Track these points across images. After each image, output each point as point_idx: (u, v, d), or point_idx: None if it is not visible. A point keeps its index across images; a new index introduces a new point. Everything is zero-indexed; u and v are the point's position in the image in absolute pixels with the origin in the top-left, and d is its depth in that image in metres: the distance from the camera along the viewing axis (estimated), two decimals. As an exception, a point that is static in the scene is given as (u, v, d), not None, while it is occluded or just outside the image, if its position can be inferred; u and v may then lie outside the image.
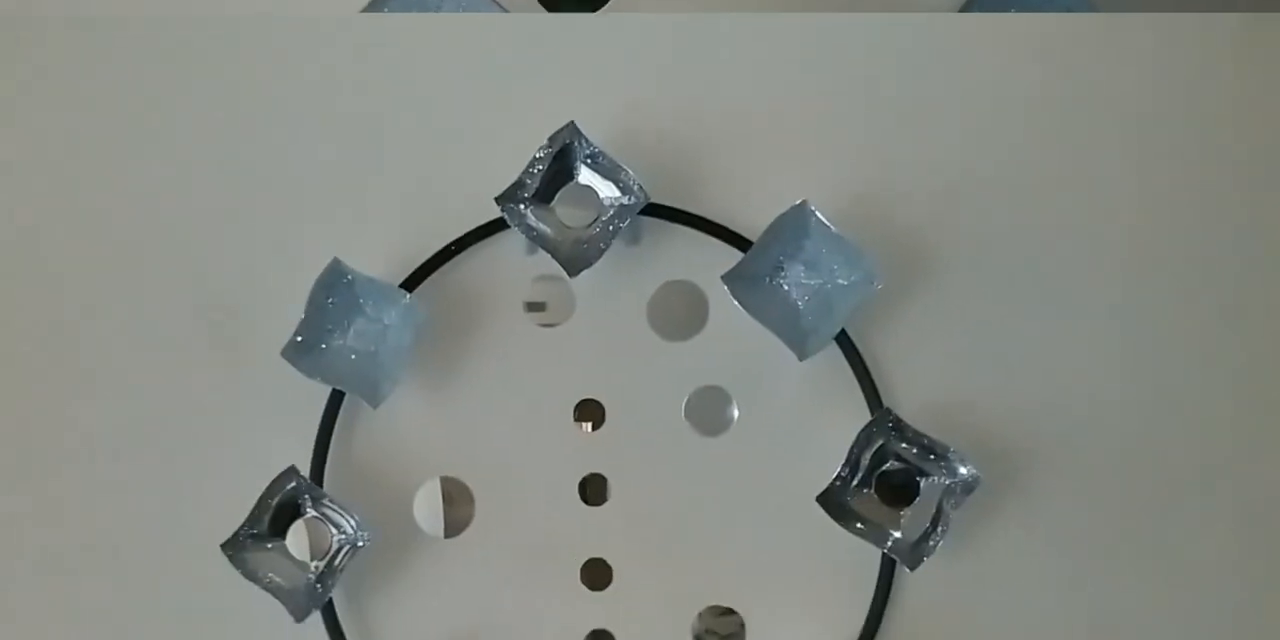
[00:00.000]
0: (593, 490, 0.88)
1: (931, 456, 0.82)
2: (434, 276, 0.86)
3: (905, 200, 0.86)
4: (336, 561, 0.85)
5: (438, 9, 0.94)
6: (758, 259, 0.84)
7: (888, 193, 0.86)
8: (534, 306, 0.89)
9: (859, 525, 0.82)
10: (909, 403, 0.84)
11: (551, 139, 0.83)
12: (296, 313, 0.84)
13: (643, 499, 0.87)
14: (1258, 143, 0.87)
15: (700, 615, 0.89)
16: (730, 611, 0.88)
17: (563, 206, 0.85)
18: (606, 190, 0.85)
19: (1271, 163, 0.86)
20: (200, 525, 0.85)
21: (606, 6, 0.98)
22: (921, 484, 0.83)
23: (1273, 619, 0.86)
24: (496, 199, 0.83)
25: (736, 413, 0.87)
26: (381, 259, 0.86)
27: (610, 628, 0.87)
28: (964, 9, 0.95)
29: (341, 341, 0.86)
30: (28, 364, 0.89)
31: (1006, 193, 0.86)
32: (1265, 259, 0.87)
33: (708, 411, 0.88)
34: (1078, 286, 0.86)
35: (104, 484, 0.88)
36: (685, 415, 0.87)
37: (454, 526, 0.89)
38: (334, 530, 0.85)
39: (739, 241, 0.85)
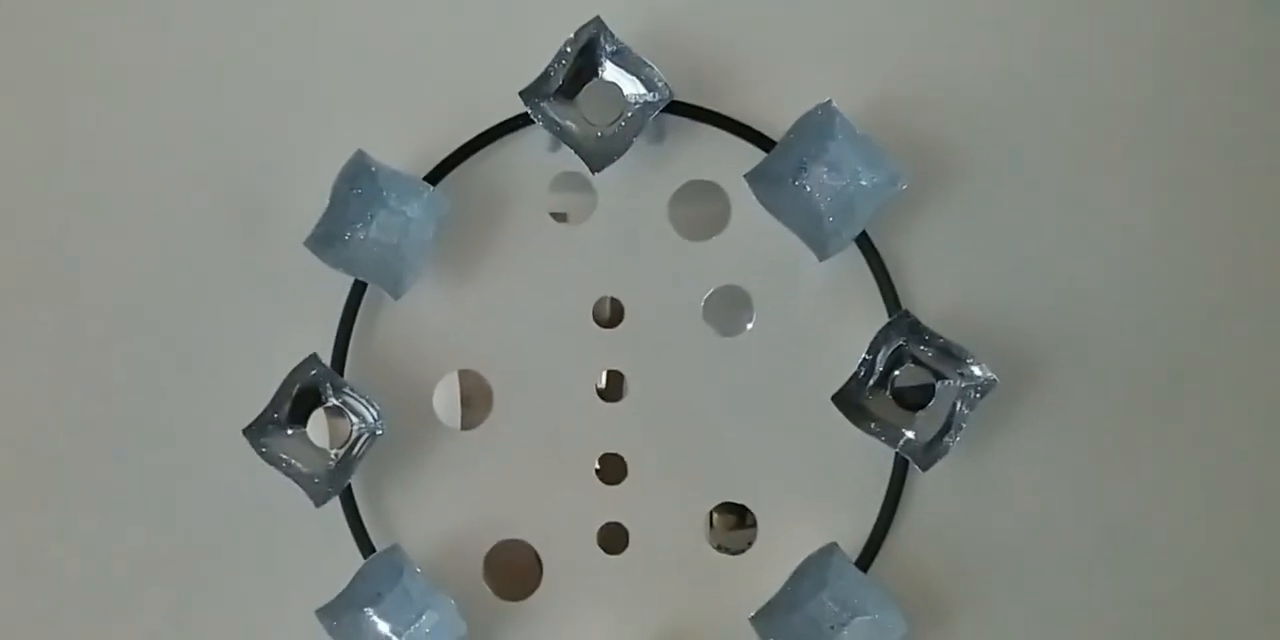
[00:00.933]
0: (610, 387, 0.89)
1: (948, 359, 0.82)
2: (457, 171, 0.86)
3: (930, 104, 0.86)
4: (355, 449, 0.86)
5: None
6: (781, 158, 0.83)
7: (913, 95, 0.85)
8: (555, 217, 0.88)
9: (873, 425, 0.83)
10: (927, 305, 0.85)
11: (577, 34, 0.82)
12: (321, 203, 0.84)
13: (659, 396, 0.88)
14: (1270, 60, 0.86)
15: (712, 529, 0.90)
16: (742, 526, 0.89)
17: (587, 103, 0.85)
18: (630, 87, 0.84)
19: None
20: (223, 411, 0.87)
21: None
22: (937, 386, 0.83)
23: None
24: (521, 93, 0.83)
25: (755, 313, 0.87)
26: (406, 152, 0.86)
27: (623, 521, 0.88)
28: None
29: (364, 233, 0.87)
30: (57, 250, 0.90)
31: (1031, 100, 0.86)
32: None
33: (726, 311, 0.88)
34: (1097, 193, 0.86)
35: (127, 367, 0.90)
36: (703, 315, 0.87)
37: (470, 427, 0.90)
38: (354, 418, 0.86)
39: (763, 141, 0.84)
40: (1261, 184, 0.86)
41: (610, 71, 0.84)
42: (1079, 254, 0.86)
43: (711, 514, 0.90)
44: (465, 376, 0.91)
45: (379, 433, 0.85)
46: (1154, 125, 0.86)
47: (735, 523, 0.90)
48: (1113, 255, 0.86)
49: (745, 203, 0.84)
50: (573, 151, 0.83)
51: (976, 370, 0.81)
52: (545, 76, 0.83)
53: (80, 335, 0.90)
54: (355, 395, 0.86)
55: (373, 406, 0.85)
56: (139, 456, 0.90)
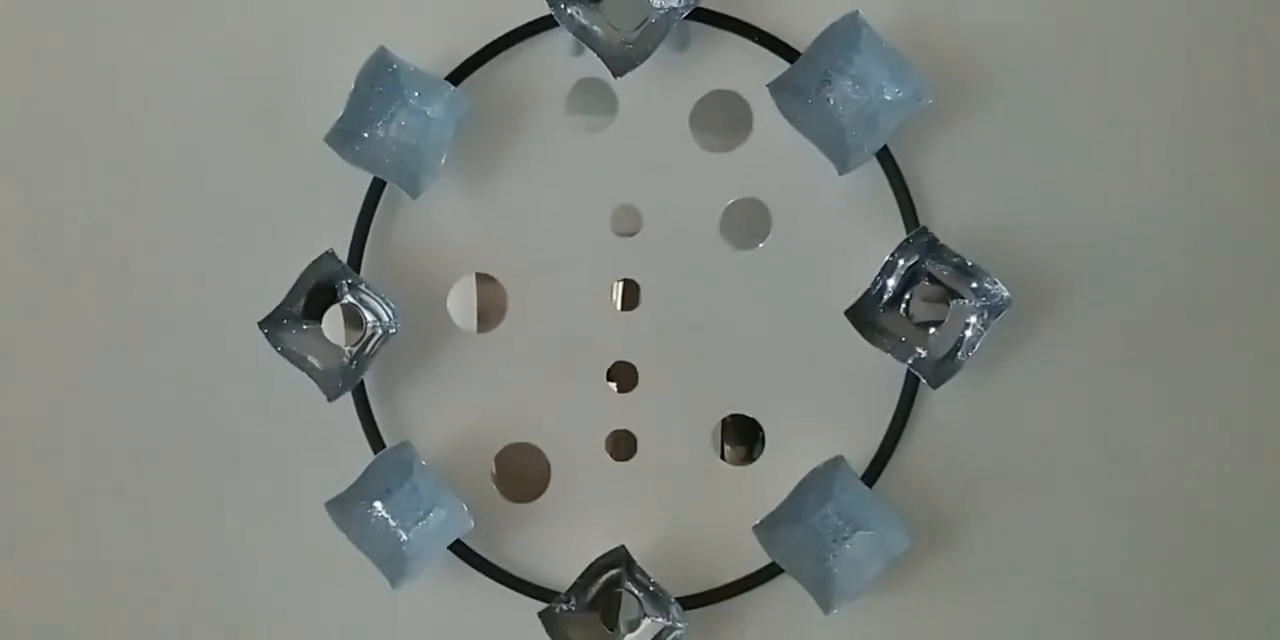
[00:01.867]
0: (625, 295, 0.89)
1: (964, 277, 0.82)
2: (479, 72, 0.86)
3: (959, 20, 0.84)
4: (369, 347, 0.87)
5: None
6: (805, 70, 0.82)
7: (942, 10, 0.84)
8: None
9: (885, 341, 0.83)
10: (946, 223, 0.84)
11: (605, -65, 0.81)
12: (342, 101, 0.84)
13: (674, 306, 0.88)
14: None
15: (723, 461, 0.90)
16: (750, 459, 0.89)
17: (611, 8, 0.84)
18: (657, -8, 0.83)
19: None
20: (240, 305, 0.87)
21: None
22: (951, 304, 0.83)
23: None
24: (546, -7, 0.82)
25: (772, 226, 0.86)
26: (429, 51, 0.85)
27: (633, 428, 0.89)
28: None
29: (384, 131, 0.87)
30: (78, 148, 0.90)
31: (1060, 22, 0.84)
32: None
33: (744, 224, 0.87)
34: (1122, 118, 0.84)
35: (145, 261, 0.91)
36: (721, 227, 0.87)
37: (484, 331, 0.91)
38: (369, 316, 0.87)
39: (788, 52, 0.83)
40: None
41: (637, -25, 0.83)
42: (1101, 178, 0.84)
43: (723, 445, 0.91)
44: (482, 291, 0.91)
45: (393, 331, 0.86)
46: (1182, 50, 0.84)
47: (744, 455, 0.91)
48: (1135, 181, 0.85)
49: (767, 115, 0.84)
50: (595, 56, 0.82)
51: (992, 289, 0.81)
52: (572, -22, 0.82)
53: (100, 229, 0.91)
54: (371, 293, 0.86)
55: (388, 305, 0.86)
56: (155, 350, 0.91)
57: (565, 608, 0.86)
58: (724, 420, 0.90)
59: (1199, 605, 0.88)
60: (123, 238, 0.90)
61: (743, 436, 0.91)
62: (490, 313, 0.91)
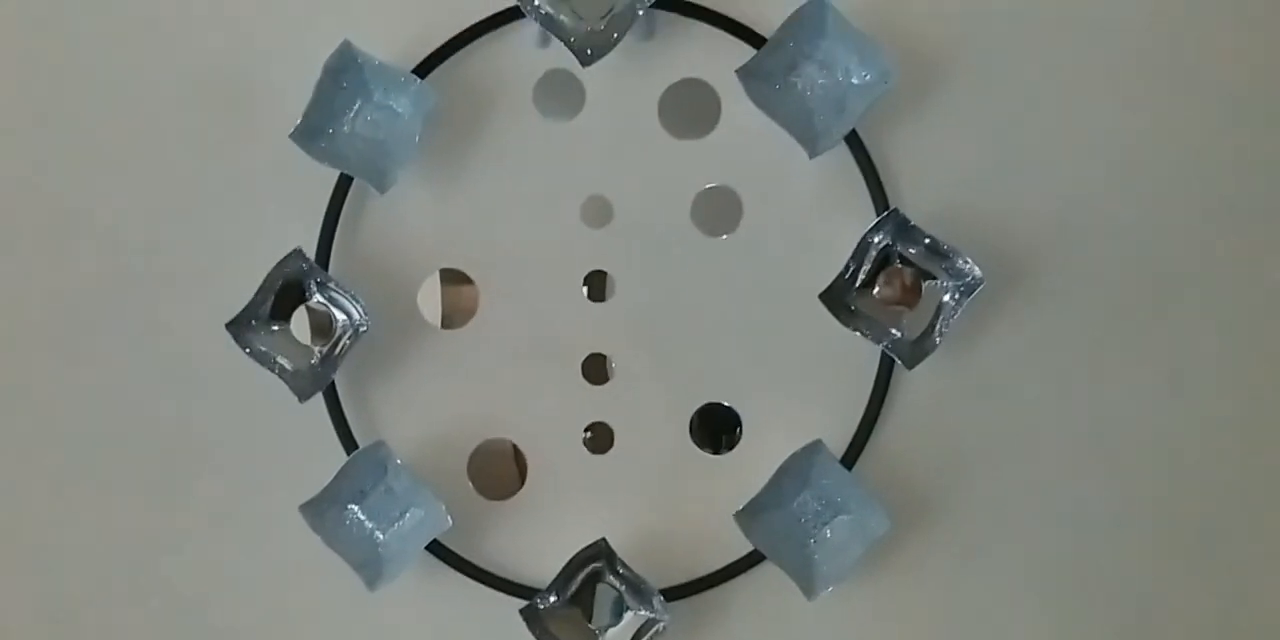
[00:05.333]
0: (596, 287, 0.89)
1: (936, 257, 0.82)
2: (445, 65, 0.85)
3: (923, 1, 0.85)
4: (339, 346, 0.86)
5: None
6: (773, 55, 0.83)
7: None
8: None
9: (859, 323, 0.83)
10: (916, 204, 0.85)
11: (568, -75, 0.82)
12: (307, 96, 0.83)
13: (647, 296, 0.88)
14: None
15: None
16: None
17: (578, -1, 0.84)
18: (622, -19, 0.84)
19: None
20: (207, 306, 0.86)
21: None
22: (924, 285, 0.84)
23: (1265, 422, 0.88)
24: (512, -16, 0.82)
25: (744, 212, 0.87)
26: (393, 44, 0.85)
27: (608, 421, 0.89)
28: None
29: (350, 126, 0.86)
30: (42, 146, 0.89)
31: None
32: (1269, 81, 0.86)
33: (715, 211, 0.87)
34: (1087, 95, 0.85)
35: (110, 260, 0.89)
36: (692, 215, 0.87)
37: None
38: (338, 314, 0.86)
39: (754, 38, 0.84)
40: (1255, 90, 0.86)
41: (601, -35, 0.84)
42: (1068, 156, 0.85)
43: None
44: (447, 294, 0.91)
45: (363, 329, 0.85)
46: (1148, 29, 0.85)
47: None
48: (1102, 158, 0.86)
49: (735, 102, 0.84)
50: (563, 47, 0.82)
51: (964, 269, 0.81)
52: (536, -32, 0.82)
53: (63, 230, 0.90)
54: (340, 291, 0.85)
55: (357, 303, 0.85)
56: (122, 351, 0.90)
57: (547, 604, 0.85)
58: (691, 421, 0.89)
59: (1178, 582, 0.89)
60: (87, 238, 0.89)
61: (708, 438, 0.90)
62: (455, 316, 0.90)
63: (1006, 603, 0.88)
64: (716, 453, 0.89)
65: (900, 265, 0.84)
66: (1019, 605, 0.89)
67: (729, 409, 0.87)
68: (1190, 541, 0.89)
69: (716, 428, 0.89)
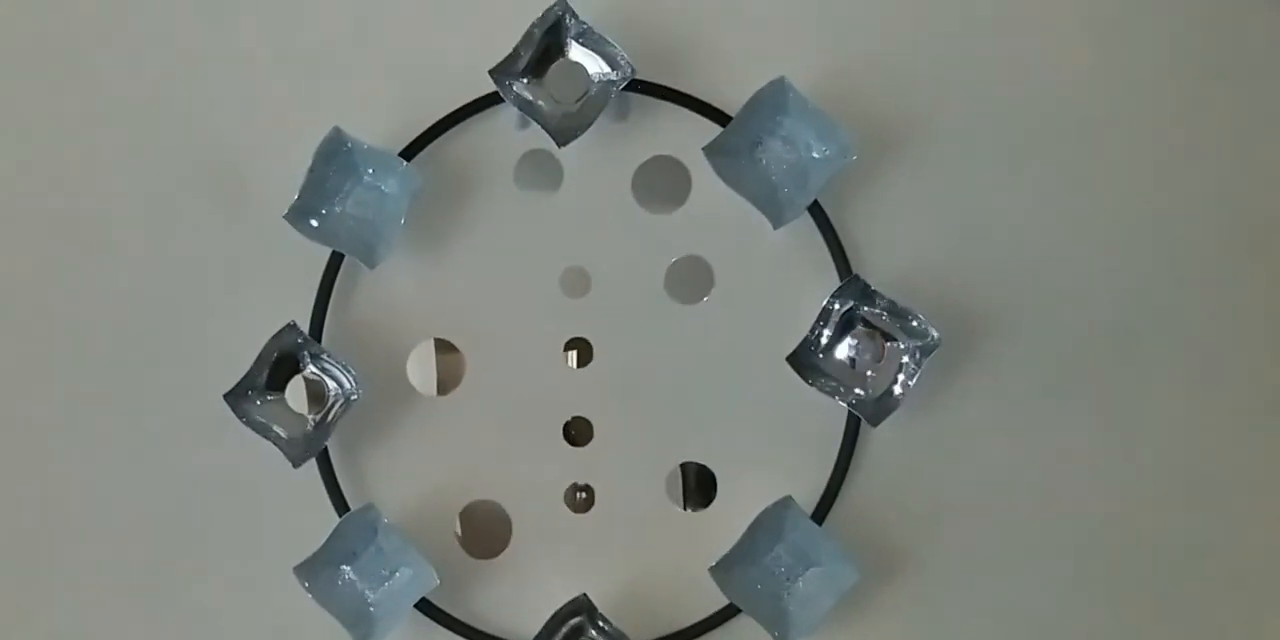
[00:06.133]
0: (576, 353, 0.93)
1: (896, 320, 0.87)
2: (430, 147, 0.90)
3: (879, 79, 0.90)
4: (331, 414, 0.90)
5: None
6: (737, 133, 0.88)
7: (863, 70, 0.90)
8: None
9: (826, 383, 0.87)
10: (877, 269, 0.89)
11: (543, 15, 0.87)
12: (299, 177, 0.88)
13: (624, 362, 0.92)
14: (1208, 32, 0.91)
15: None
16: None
17: (553, 82, 0.89)
18: (595, 66, 0.89)
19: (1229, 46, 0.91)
20: (206, 376, 0.90)
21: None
22: (887, 346, 0.88)
23: (1217, 475, 0.92)
24: (490, 72, 0.87)
25: (715, 280, 0.91)
26: (381, 129, 0.90)
27: (590, 481, 0.92)
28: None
29: (341, 206, 0.91)
30: (40, 223, 0.94)
31: (974, 74, 0.91)
32: (1220, 141, 0.91)
33: (688, 280, 0.92)
34: (1038, 161, 0.91)
35: (111, 333, 0.93)
36: (665, 284, 0.91)
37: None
38: (331, 384, 0.90)
39: (720, 117, 0.89)
40: (1201, 149, 0.91)
41: (575, 52, 0.89)
42: (1022, 220, 0.90)
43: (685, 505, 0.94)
44: (443, 363, 0.95)
45: (354, 398, 0.89)
46: (1093, 97, 0.90)
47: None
48: (1054, 222, 0.90)
49: (704, 177, 0.89)
50: (540, 128, 0.88)
51: (923, 330, 0.86)
52: (514, 56, 0.88)
53: (63, 306, 0.94)
54: (332, 361, 0.89)
55: (349, 372, 0.89)
56: (121, 420, 0.93)
57: (532, 658, 0.88)
58: (686, 482, 0.93)
59: (1143, 630, 0.92)
60: (88, 311, 0.93)
61: (705, 497, 0.93)
62: (451, 384, 0.94)
63: (975, 650, 0.92)
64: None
65: (863, 327, 0.88)
66: (985, 654, 0.92)
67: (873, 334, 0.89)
68: (1153, 595, 0.92)
69: (708, 488, 0.93)
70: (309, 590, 0.89)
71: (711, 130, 0.88)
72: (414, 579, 0.90)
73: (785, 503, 0.87)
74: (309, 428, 0.90)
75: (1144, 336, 0.91)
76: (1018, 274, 0.90)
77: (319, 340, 0.91)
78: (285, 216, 0.88)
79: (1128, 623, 0.92)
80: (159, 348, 0.93)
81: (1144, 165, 0.91)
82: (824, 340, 0.88)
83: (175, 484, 0.93)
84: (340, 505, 0.91)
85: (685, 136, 0.90)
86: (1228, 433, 0.92)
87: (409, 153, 0.90)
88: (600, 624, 0.88)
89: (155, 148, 0.93)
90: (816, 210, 0.89)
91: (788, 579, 0.89)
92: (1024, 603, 0.91)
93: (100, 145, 0.93)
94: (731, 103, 0.88)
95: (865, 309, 0.87)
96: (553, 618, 0.88)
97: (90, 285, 0.93)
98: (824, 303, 0.87)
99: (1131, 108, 0.91)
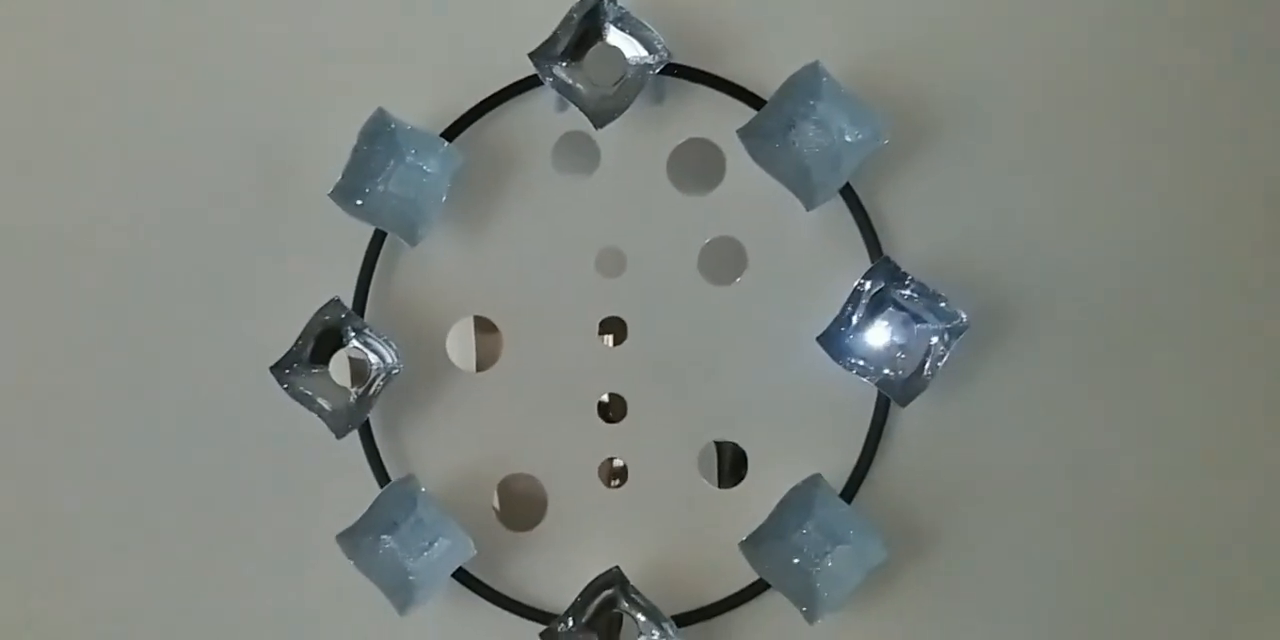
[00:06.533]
0: (611, 332, 0.95)
1: (925, 301, 0.88)
2: (471, 128, 0.93)
3: (913, 62, 0.91)
4: (373, 387, 0.92)
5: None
6: (771, 116, 0.89)
7: (896, 54, 0.91)
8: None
9: (855, 363, 0.88)
10: (908, 252, 0.90)
11: (582, 0, 0.89)
12: (344, 157, 0.91)
13: (658, 340, 0.94)
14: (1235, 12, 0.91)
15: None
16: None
17: (591, 65, 0.91)
18: (632, 50, 0.90)
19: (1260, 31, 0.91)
20: (253, 350, 0.93)
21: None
22: (915, 328, 0.89)
23: (1239, 457, 0.92)
24: (530, 55, 0.89)
25: (747, 261, 0.93)
26: (424, 110, 0.92)
27: (623, 457, 0.94)
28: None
29: (384, 185, 0.93)
30: (96, 202, 0.97)
31: (1008, 57, 0.91)
32: (1252, 127, 0.92)
33: (721, 261, 0.94)
34: (1067, 145, 0.91)
35: (165, 309, 0.96)
36: (699, 264, 0.93)
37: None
38: (373, 358, 0.93)
39: (755, 100, 0.90)
40: (1233, 134, 0.91)
41: (613, 35, 0.91)
42: (1051, 202, 0.91)
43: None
44: (482, 342, 0.97)
45: (396, 372, 0.91)
46: (1124, 82, 0.91)
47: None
48: (1082, 206, 0.91)
49: (738, 159, 0.90)
50: (578, 111, 0.89)
51: (951, 312, 0.87)
52: (553, 40, 0.89)
53: (120, 283, 0.97)
54: (374, 336, 0.92)
55: (390, 347, 0.91)
56: (171, 392, 0.97)
57: (565, 628, 0.90)
58: (721, 462, 0.95)
59: (1165, 612, 0.93)
60: (142, 285, 0.96)
61: (736, 477, 0.95)
62: (488, 363, 0.96)
63: (996, 627, 0.93)
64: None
65: (893, 309, 0.89)
66: (1009, 629, 0.93)
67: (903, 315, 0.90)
68: (1180, 575, 0.93)
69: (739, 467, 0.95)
70: (351, 557, 0.91)
71: (746, 114, 0.90)
72: (452, 549, 0.92)
73: (815, 480, 0.89)
74: (352, 400, 0.93)
75: (1172, 319, 0.91)
76: (1046, 257, 0.91)
77: (362, 315, 0.93)
78: (330, 195, 0.91)
79: (1153, 601, 0.93)
80: (209, 321, 0.96)
81: (1175, 151, 0.91)
82: (854, 321, 0.89)
83: (223, 454, 0.96)
84: (381, 477, 0.94)
85: (720, 120, 0.91)
86: (1257, 414, 0.92)
87: (450, 134, 0.92)
88: (632, 596, 0.90)
89: (208, 128, 0.95)
90: (848, 193, 0.90)
91: (816, 556, 0.91)
92: (1049, 581, 0.92)
93: (158, 125, 0.96)
94: (766, 87, 0.89)
95: (895, 290, 0.88)
96: (586, 589, 0.90)
97: (144, 260, 0.96)
98: (854, 284, 0.88)
99: (1163, 92, 0.91)
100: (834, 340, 0.89)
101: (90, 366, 0.98)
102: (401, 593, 0.92)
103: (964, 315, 0.86)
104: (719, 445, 0.96)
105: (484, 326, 0.96)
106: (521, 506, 0.96)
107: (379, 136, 0.92)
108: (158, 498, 0.97)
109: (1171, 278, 0.91)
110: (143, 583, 0.98)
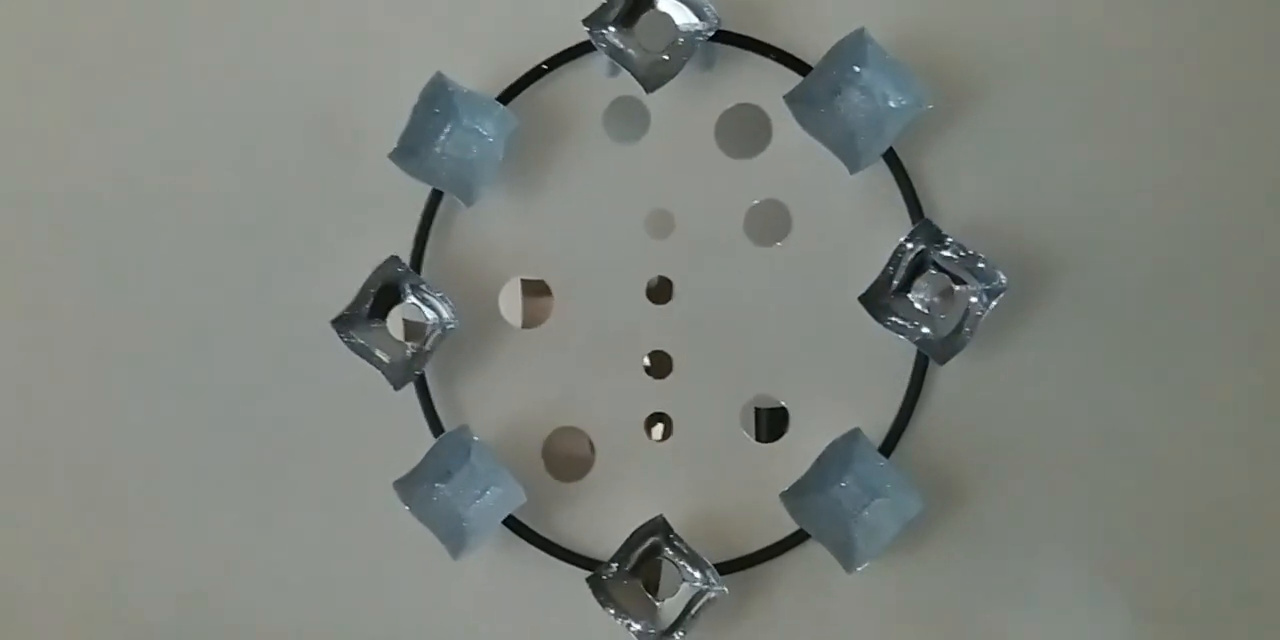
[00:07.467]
0: (659, 290, 0.98)
1: (965, 263, 0.90)
2: (526, 92, 0.96)
3: (955, 29, 0.93)
4: (429, 342, 0.96)
5: None
6: (817, 82, 0.92)
7: (939, 20, 0.93)
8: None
9: (896, 322, 0.91)
10: (947, 215, 0.92)
11: (637, -34, 0.92)
12: (403, 120, 0.94)
13: (703, 300, 0.97)
14: None
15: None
16: None
17: (643, 31, 0.94)
18: (683, 17, 0.93)
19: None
20: (315, 305, 0.97)
21: None
22: (955, 289, 0.91)
23: (1273, 426, 0.93)
24: (584, 21, 0.92)
25: (791, 223, 0.95)
26: (480, 75, 0.96)
27: (668, 411, 0.98)
28: None
29: (441, 147, 0.97)
30: (169, 161, 1.01)
31: (1050, 24, 0.92)
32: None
33: (766, 224, 0.96)
34: (1105, 111, 0.92)
35: (231, 265, 1.01)
36: (744, 226, 0.96)
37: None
38: (429, 313, 0.96)
39: (801, 67, 0.93)
40: (1265, 97, 0.91)
41: (664, 2, 0.93)
42: (1089, 168, 0.92)
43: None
44: (528, 306, 1.01)
45: (451, 327, 0.95)
46: (1164, 49, 0.92)
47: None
48: (1121, 170, 0.92)
49: (784, 124, 0.93)
50: (629, 76, 0.92)
51: (990, 273, 0.89)
52: (606, 6, 0.93)
53: (190, 241, 1.02)
54: (430, 292, 0.95)
55: (446, 303, 0.95)
56: (237, 344, 1.01)
57: (610, 574, 0.94)
58: (756, 428, 0.98)
59: (1200, 567, 0.94)
60: (212, 247, 1.01)
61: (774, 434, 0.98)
62: (537, 323, 0.99)
63: (1030, 579, 0.94)
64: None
65: (934, 270, 0.92)
66: (1039, 582, 0.94)
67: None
68: (1213, 535, 0.93)
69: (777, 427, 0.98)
70: (406, 504, 0.95)
71: (792, 79, 0.92)
72: (503, 497, 0.96)
73: (854, 435, 0.92)
74: (408, 353, 0.96)
75: (1208, 282, 0.92)
76: (1084, 220, 0.92)
77: (419, 273, 0.97)
78: (390, 155, 0.94)
79: (1185, 560, 0.94)
80: (272, 277, 1.01)
81: (1213, 115, 0.92)
82: (895, 282, 0.91)
83: (285, 405, 1.01)
84: (436, 427, 0.97)
85: (767, 85, 0.93)
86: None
87: (506, 97, 0.95)
88: (676, 544, 0.93)
89: (276, 93, 1.00)
90: (891, 157, 0.92)
91: (854, 508, 0.94)
92: (1081, 536, 0.94)
93: (227, 88, 1.01)
94: (812, 53, 0.92)
95: (936, 252, 0.90)
96: (631, 537, 0.93)
97: (212, 217, 1.01)
98: (896, 245, 0.90)
99: (1202, 59, 0.92)
100: (875, 300, 0.91)
101: (158, 319, 1.02)
102: (455, 538, 0.96)
103: (1003, 276, 0.89)
104: (756, 412, 0.99)
105: (530, 291, 1.00)
106: (569, 458, 0.99)
107: (437, 99, 0.95)
108: (222, 446, 1.02)
109: (1213, 243, 0.92)
110: (209, 527, 1.03)
